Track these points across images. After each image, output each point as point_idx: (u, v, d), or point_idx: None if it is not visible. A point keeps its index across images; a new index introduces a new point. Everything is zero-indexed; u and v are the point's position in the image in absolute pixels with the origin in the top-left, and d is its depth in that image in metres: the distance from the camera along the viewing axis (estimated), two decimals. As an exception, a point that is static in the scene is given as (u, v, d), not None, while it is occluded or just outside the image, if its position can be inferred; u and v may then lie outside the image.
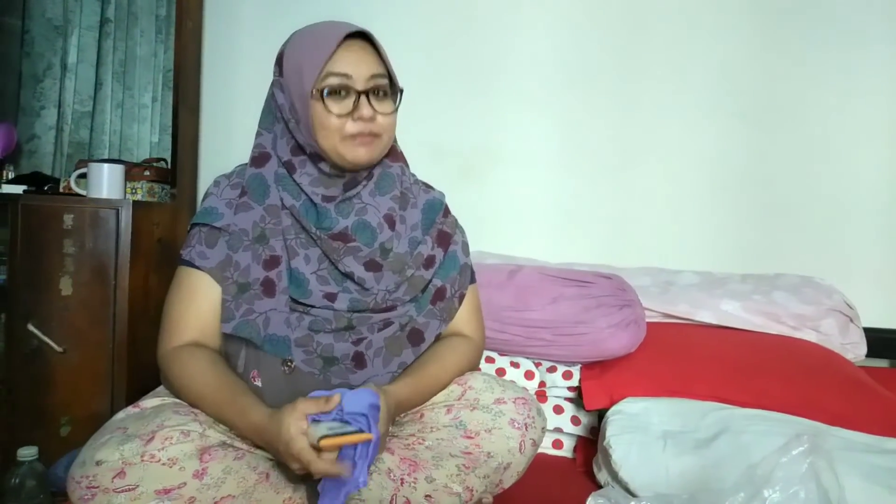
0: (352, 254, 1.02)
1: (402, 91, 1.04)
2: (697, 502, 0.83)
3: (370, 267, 1.03)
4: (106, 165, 1.66)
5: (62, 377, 1.57)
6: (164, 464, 0.83)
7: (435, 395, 1.04)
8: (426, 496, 0.92)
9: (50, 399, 1.57)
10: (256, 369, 0.99)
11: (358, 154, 0.99)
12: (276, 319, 0.99)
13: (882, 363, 1.74)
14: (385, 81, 1.02)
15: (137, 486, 0.81)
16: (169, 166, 1.92)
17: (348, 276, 1.02)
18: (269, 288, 1.00)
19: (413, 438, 0.98)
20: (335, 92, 0.98)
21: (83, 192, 1.66)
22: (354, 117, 0.98)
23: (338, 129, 0.98)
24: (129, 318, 1.59)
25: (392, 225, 1.06)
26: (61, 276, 1.57)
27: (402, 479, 0.92)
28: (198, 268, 1.02)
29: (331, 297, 1.01)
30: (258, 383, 0.99)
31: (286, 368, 0.98)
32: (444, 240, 1.12)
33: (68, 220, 1.58)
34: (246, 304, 0.99)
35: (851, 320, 1.59)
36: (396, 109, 1.04)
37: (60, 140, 2.10)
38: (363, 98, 0.98)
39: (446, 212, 1.16)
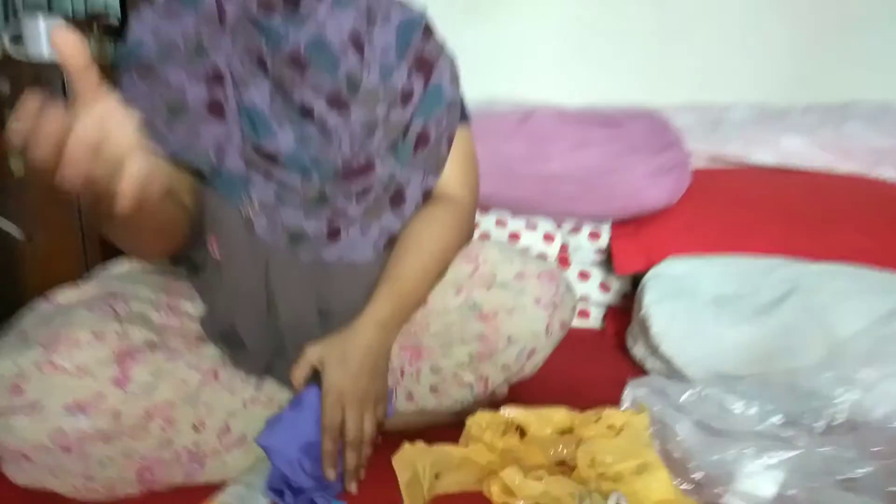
0: (309, 86, 0.80)
1: None
2: (770, 385, 0.65)
3: (334, 103, 0.81)
4: (43, 21, 1.46)
5: (30, 267, 1.50)
6: (71, 374, 0.69)
7: (430, 290, 0.88)
8: (431, 388, 0.87)
9: (19, 291, 1.50)
10: (214, 234, 0.81)
11: None
12: (231, 152, 0.79)
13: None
14: None
15: (39, 401, 0.67)
16: (119, 22, 1.71)
17: (306, 113, 0.81)
18: (216, 109, 0.79)
19: (416, 325, 0.88)
20: None
21: (22, 58, 1.48)
22: None
23: None
24: (94, 194, 1.47)
25: (359, 47, 0.83)
26: (9, 156, 1.43)
27: (401, 370, 0.86)
28: None
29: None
30: (215, 255, 0.81)
31: (239, 211, 0.80)
32: (425, 67, 0.89)
33: (6, 88, 1.41)
34: (186, 127, 0.77)
35: (943, 150, 1.42)
36: None
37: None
38: None
39: (428, 32, 0.91)
